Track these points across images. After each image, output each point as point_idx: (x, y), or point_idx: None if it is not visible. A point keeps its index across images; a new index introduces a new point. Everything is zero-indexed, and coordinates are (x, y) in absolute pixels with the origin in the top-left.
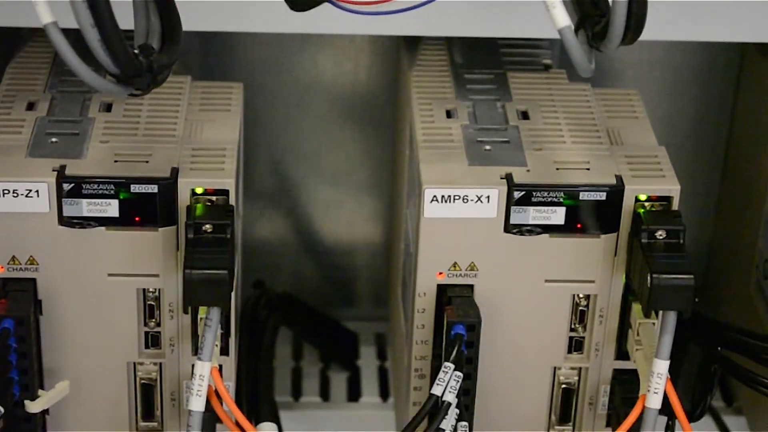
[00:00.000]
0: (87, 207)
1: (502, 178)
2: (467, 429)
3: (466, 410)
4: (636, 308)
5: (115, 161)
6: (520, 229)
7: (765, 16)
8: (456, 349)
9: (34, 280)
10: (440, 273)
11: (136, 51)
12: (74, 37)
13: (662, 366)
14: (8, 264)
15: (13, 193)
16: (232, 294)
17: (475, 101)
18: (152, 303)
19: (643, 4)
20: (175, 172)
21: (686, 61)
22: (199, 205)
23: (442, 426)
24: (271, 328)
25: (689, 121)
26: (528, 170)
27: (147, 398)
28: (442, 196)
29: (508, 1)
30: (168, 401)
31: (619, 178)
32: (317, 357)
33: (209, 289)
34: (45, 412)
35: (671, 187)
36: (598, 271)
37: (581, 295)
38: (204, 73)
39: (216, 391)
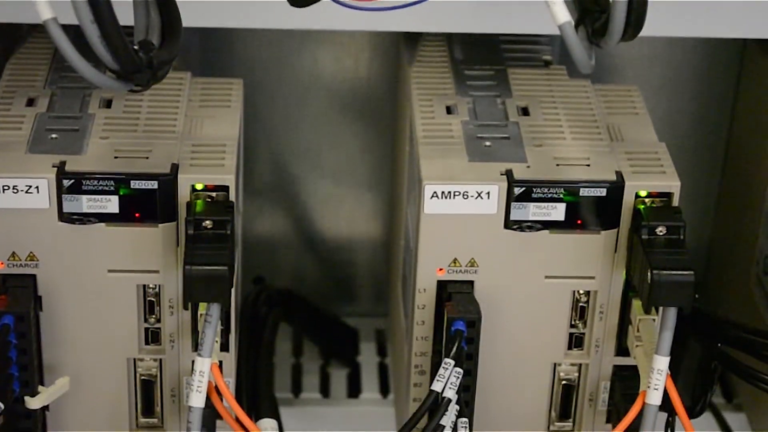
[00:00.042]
0: (87, 203)
1: (502, 174)
2: (467, 425)
3: (467, 406)
4: (636, 304)
5: (115, 157)
6: (521, 225)
7: (765, 13)
8: (456, 345)
9: (34, 276)
10: (440, 269)
11: (136, 47)
12: (74, 33)
13: (662, 362)
14: (8, 260)
15: (13, 189)
16: (232, 290)
17: (475, 97)
18: (152, 299)
19: (643, 0)
20: (175, 168)
21: (687, 58)
22: (199, 201)
23: (442, 422)
24: (271, 324)
25: (689, 117)
26: (528, 166)
27: (147, 394)
28: (442, 192)
29: None
30: (168, 397)
31: (619, 174)
32: (317, 353)
33: (209, 285)
34: (45, 408)
35: (671, 183)
36: (598, 267)
37: (581, 292)
38: (204, 69)
39: (216, 388)
